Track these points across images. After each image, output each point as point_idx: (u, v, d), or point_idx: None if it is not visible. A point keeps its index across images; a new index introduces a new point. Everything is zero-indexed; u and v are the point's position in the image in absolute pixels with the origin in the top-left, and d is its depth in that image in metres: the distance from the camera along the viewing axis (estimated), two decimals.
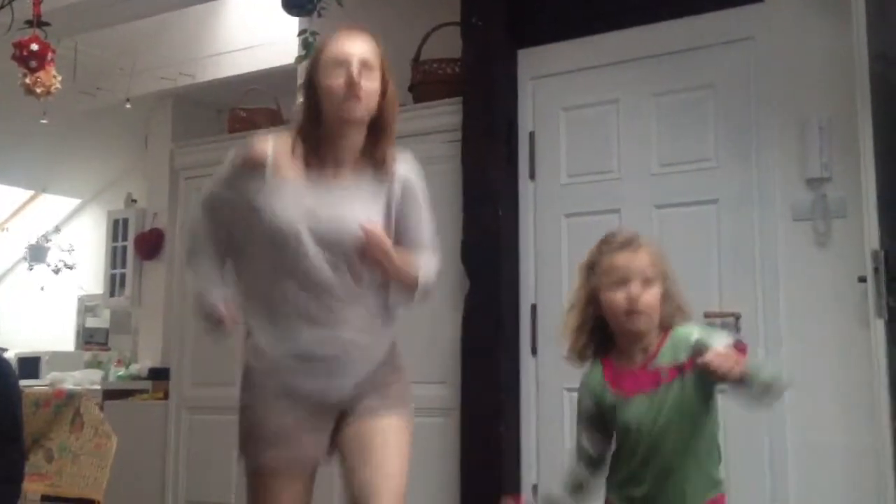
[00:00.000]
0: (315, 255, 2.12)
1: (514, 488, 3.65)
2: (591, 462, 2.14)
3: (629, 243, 2.08)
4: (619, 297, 2.03)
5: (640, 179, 3.57)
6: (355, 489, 2.15)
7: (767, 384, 1.95)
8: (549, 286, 3.73)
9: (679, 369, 2.02)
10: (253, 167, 2.15)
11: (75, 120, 6.29)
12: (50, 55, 3.90)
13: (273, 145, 2.18)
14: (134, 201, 6.96)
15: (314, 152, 2.18)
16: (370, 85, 2.14)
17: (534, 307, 3.76)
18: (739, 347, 3.27)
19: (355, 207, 2.17)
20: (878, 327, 2.87)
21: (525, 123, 3.87)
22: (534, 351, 3.74)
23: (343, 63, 2.12)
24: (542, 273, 3.77)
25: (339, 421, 2.23)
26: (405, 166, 2.30)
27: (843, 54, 3.07)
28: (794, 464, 3.18)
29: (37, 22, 3.96)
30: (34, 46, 3.85)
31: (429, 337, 3.88)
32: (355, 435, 2.19)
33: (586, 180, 3.69)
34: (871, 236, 2.89)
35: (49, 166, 7.24)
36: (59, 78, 3.97)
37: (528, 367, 3.74)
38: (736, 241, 3.36)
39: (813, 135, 3.22)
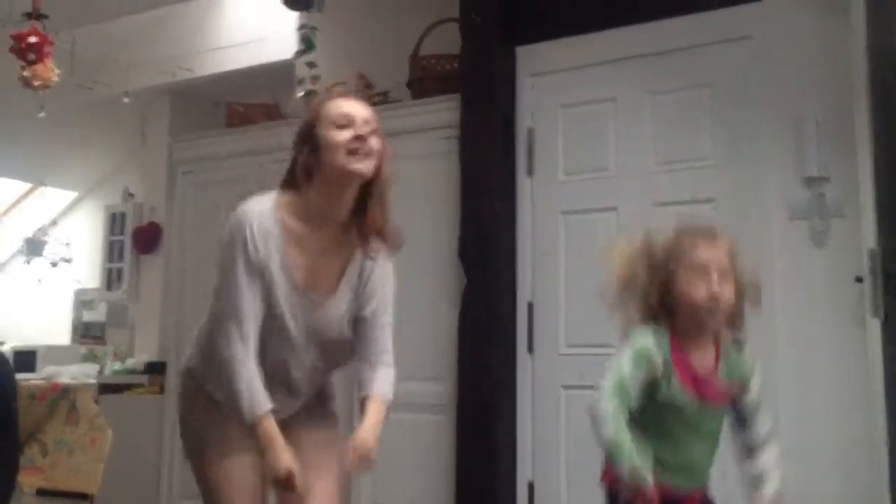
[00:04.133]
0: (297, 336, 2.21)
1: (510, 485, 3.65)
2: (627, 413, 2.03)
3: (711, 233, 2.08)
4: (700, 289, 2.01)
5: (637, 177, 3.57)
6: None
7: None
8: (546, 283, 3.73)
9: (731, 394, 2.12)
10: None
11: (73, 113, 6.27)
12: (48, 48, 3.90)
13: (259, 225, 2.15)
14: (131, 195, 6.95)
15: (306, 208, 2.18)
16: (375, 143, 2.16)
17: (530, 304, 3.76)
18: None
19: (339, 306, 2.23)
20: (875, 327, 2.87)
21: (523, 120, 3.87)
22: (530, 348, 3.74)
23: (350, 121, 2.14)
24: (539, 270, 3.77)
25: None
26: (383, 257, 2.30)
27: (841, 53, 3.08)
28: (790, 462, 3.16)
29: (35, 14, 3.95)
30: (32, 39, 3.84)
31: (425, 333, 3.88)
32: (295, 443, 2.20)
33: (584, 178, 3.69)
34: (868, 236, 2.89)
35: (46, 160, 7.22)
36: (57, 71, 3.97)
37: (524, 364, 3.74)
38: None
39: (810, 133, 3.21)
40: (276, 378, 2.19)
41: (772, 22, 3.35)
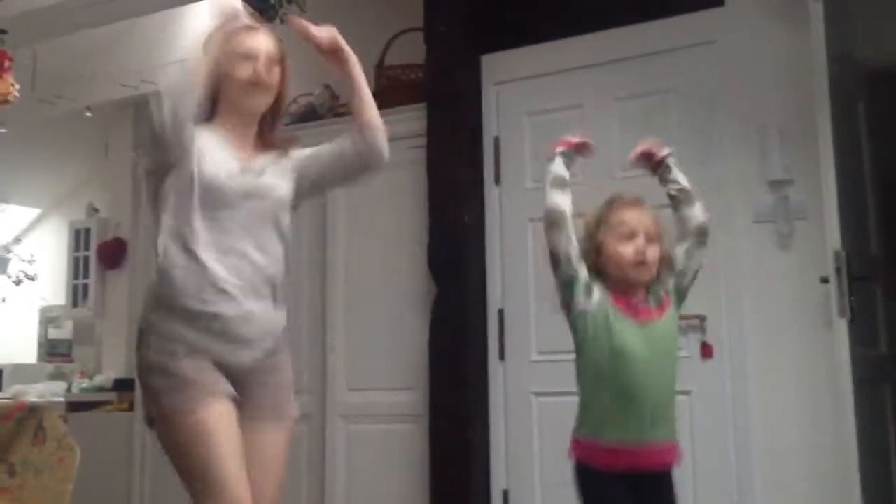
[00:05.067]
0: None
1: (484, 493, 3.65)
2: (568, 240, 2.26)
3: (637, 202, 2.29)
4: (628, 249, 2.20)
5: (603, 184, 3.58)
6: None
7: (685, 189, 2.32)
8: (516, 291, 3.73)
9: (662, 306, 2.23)
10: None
11: (34, 129, 6.20)
12: (7, 63, 3.86)
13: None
14: (96, 210, 6.87)
15: (221, 135, 2.29)
16: (275, 78, 2.32)
17: (501, 312, 3.76)
18: (705, 350, 3.33)
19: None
20: (841, 327, 2.90)
21: (489, 128, 3.88)
22: (501, 356, 3.74)
23: (253, 56, 2.28)
24: (508, 278, 3.77)
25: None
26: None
27: (803, 57, 3.11)
28: (759, 463, 3.20)
29: None
30: None
31: (396, 343, 3.88)
32: (252, 442, 2.19)
33: None
34: (833, 237, 2.92)
35: (8, 176, 7.13)
36: (17, 86, 3.93)
37: (496, 372, 3.74)
38: None
39: (774, 137, 3.25)
40: (231, 259, 2.17)
41: (735, 27, 3.38)
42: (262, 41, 2.32)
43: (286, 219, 2.32)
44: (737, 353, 3.28)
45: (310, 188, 2.42)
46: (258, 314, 2.21)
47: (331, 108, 4.27)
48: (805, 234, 3.19)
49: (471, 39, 3.89)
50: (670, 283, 2.27)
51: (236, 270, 2.18)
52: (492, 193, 3.84)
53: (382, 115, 4.05)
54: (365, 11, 4.40)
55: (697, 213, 2.32)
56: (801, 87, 3.15)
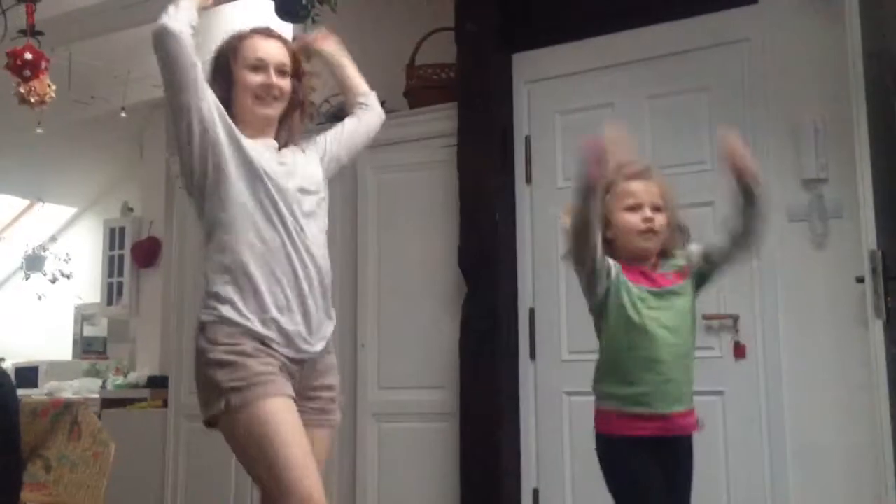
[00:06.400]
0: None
1: (514, 493, 3.65)
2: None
3: (644, 172, 2.30)
4: (634, 218, 2.24)
5: None
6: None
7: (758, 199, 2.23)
8: (546, 290, 3.73)
9: (681, 273, 2.28)
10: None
11: (70, 129, 6.27)
12: (44, 64, 3.89)
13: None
14: (130, 210, 6.94)
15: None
16: (286, 86, 2.32)
17: (532, 311, 3.76)
18: (739, 350, 3.30)
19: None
20: (877, 327, 2.87)
21: (521, 128, 3.88)
22: (532, 355, 3.74)
23: (263, 65, 2.30)
24: (539, 277, 3.76)
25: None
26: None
27: (838, 54, 3.08)
28: (793, 464, 3.17)
29: (31, 31, 3.95)
30: (28, 55, 3.84)
31: (427, 342, 3.88)
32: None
33: None
34: (869, 237, 2.89)
35: (44, 176, 7.23)
36: (54, 87, 3.96)
37: (526, 371, 3.74)
38: None
39: (809, 136, 3.22)
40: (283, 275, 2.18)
41: (768, 24, 3.35)
42: (273, 50, 2.34)
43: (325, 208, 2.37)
44: (770, 353, 3.25)
45: (335, 168, 2.49)
46: (313, 315, 2.23)
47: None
48: (840, 234, 3.15)
49: (502, 38, 3.89)
50: (692, 259, 2.30)
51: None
52: (523, 193, 3.84)
53: (413, 115, 4.09)
54: (396, 11, 4.41)
55: (746, 249, 2.31)
56: (836, 85, 3.11)
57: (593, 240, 2.21)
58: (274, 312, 2.16)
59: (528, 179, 3.84)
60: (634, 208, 2.25)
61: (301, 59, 2.42)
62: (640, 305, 2.22)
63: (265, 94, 2.28)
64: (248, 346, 2.12)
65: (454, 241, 3.83)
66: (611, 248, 2.27)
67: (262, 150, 2.27)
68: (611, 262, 2.26)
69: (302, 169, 2.32)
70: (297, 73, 2.38)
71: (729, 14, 3.43)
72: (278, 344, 2.16)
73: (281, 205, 2.21)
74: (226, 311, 2.15)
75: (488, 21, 3.88)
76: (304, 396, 2.21)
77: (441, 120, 3.96)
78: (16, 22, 4.03)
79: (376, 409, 4.01)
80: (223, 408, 2.08)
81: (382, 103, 4.56)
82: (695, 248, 2.34)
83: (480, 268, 3.76)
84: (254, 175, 2.21)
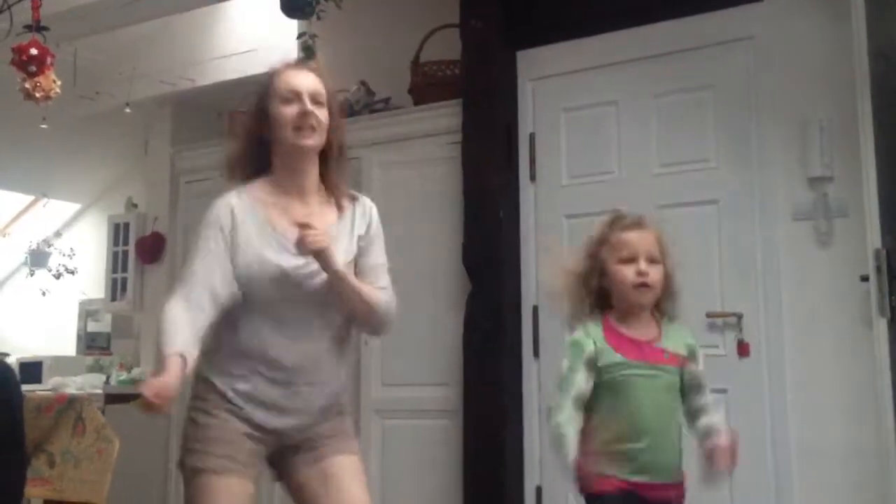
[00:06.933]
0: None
1: (517, 490, 3.65)
2: (579, 402, 2.21)
3: (639, 223, 2.28)
4: (629, 271, 2.21)
5: (640, 180, 3.57)
6: None
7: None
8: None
9: (679, 359, 2.23)
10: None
11: (75, 125, 6.27)
12: (49, 60, 3.89)
13: (235, 205, 2.23)
14: (135, 206, 6.95)
15: (278, 184, 2.25)
16: (321, 115, 2.23)
17: (535, 309, 3.76)
18: (742, 348, 3.29)
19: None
20: (881, 326, 2.86)
21: (525, 125, 3.87)
22: (536, 353, 3.74)
23: (296, 95, 2.21)
24: (543, 275, 3.76)
25: (283, 452, 2.27)
26: (369, 202, 2.38)
27: (844, 53, 3.07)
28: (797, 462, 3.17)
29: (36, 26, 3.95)
30: (33, 51, 3.84)
31: (431, 339, 3.88)
32: (322, 471, 2.24)
33: (587, 181, 3.69)
34: (873, 235, 2.88)
35: (49, 171, 7.22)
36: (59, 83, 3.96)
37: (530, 368, 3.74)
38: (737, 241, 3.35)
39: (814, 134, 3.21)
40: (267, 364, 2.17)
41: (774, 22, 3.34)
42: (305, 80, 2.24)
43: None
44: (774, 351, 3.24)
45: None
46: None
47: (367, 105, 4.28)
48: (845, 232, 3.15)
49: (506, 35, 3.88)
50: (691, 366, 2.25)
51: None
52: (527, 190, 3.83)
53: (417, 112, 4.09)
54: (401, 8, 4.41)
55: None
56: (842, 83, 3.10)
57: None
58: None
59: (533, 177, 3.84)
60: (629, 260, 2.22)
61: (334, 94, 2.31)
62: (622, 372, 2.19)
63: (302, 123, 2.19)
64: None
65: (458, 239, 3.83)
66: (606, 298, 2.27)
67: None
68: (588, 344, 2.21)
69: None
70: (331, 107, 2.28)
71: (734, 12, 3.42)
72: None
73: None
74: None
75: (493, 18, 3.87)
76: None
77: (445, 117, 3.96)
78: (21, 17, 4.03)
79: (380, 405, 4.01)
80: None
81: (387, 100, 4.58)
82: (697, 368, 2.27)
83: (484, 265, 3.76)
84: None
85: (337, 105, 2.31)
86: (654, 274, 2.22)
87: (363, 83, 4.29)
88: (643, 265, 2.21)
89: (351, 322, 2.30)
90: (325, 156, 2.28)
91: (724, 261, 3.36)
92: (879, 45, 2.98)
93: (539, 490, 3.65)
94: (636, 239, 2.24)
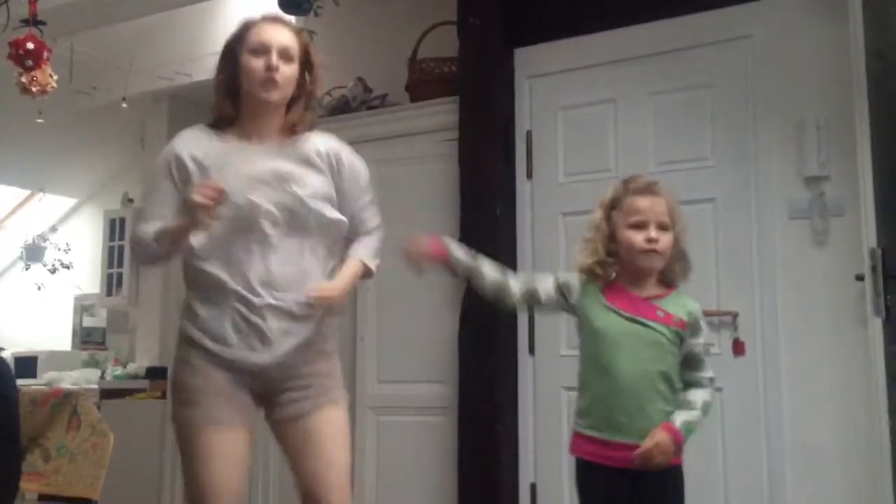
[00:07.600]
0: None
1: (512, 487, 3.65)
2: (525, 283, 2.38)
3: (651, 188, 2.30)
4: (639, 237, 2.24)
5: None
6: (307, 481, 2.26)
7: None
8: None
9: (674, 320, 2.24)
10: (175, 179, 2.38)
11: (71, 119, 6.27)
12: (46, 54, 3.89)
13: (183, 145, 2.40)
14: (131, 201, 6.94)
15: (239, 129, 2.35)
16: (288, 71, 2.29)
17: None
18: (738, 347, 3.30)
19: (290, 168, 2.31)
20: (876, 326, 2.86)
21: (522, 122, 3.87)
22: (531, 350, 3.74)
23: (265, 49, 2.28)
24: (539, 272, 3.75)
25: (266, 398, 2.31)
26: (335, 144, 2.43)
27: (841, 52, 3.08)
28: (791, 461, 3.18)
29: (33, 21, 3.94)
30: (30, 45, 3.83)
31: (426, 336, 3.89)
32: (303, 428, 2.26)
33: (583, 179, 3.69)
34: (869, 234, 2.89)
35: (45, 166, 7.22)
36: (56, 77, 3.96)
37: (525, 365, 3.74)
38: (733, 239, 3.36)
39: (811, 133, 3.22)
40: (250, 272, 2.23)
41: (771, 21, 3.35)
42: (277, 34, 2.31)
43: None
44: (770, 350, 3.25)
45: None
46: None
47: (364, 101, 4.28)
48: (841, 232, 3.15)
49: (504, 33, 3.88)
50: (690, 334, 2.27)
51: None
52: (524, 187, 3.84)
53: (414, 109, 4.08)
54: (398, 5, 4.40)
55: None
56: (839, 82, 3.11)
57: (483, 288, 2.34)
58: None
59: (529, 174, 3.84)
60: (639, 226, 2.25)
61: (312, 50, 2.38)
62: (606, 319, 2.25)
63: (267, 77, 2.26)
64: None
65: (454, 236, 3.81)
66: (616, 262, 2.30)
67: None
68: (570, 283, 2.33)
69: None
70: (306, 63, 2.36)
71: (732, 10, 3.42)
72: None
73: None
74: None
75: (491, 15, 3.87)
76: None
77: (442, 114, 3.95)
78: (18, 11, 4.03)
79: (375, 402, 4.02)
80: None
81: (384, 97, 4.57)
82: (700, 340, 2.29)
83: None
84: None
85: (313, 60, 2.37)
86: (664, 241, 2.25)
87: (360, 80, 4.29)
88: (653, 232, 2.24)
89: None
90: (291, 104, 2.35)
91: (720, 259, 3.37)
92: (877, 44, 2.98)
93: (534, 487, 3.65)
94: (648, 205, 2.26)
